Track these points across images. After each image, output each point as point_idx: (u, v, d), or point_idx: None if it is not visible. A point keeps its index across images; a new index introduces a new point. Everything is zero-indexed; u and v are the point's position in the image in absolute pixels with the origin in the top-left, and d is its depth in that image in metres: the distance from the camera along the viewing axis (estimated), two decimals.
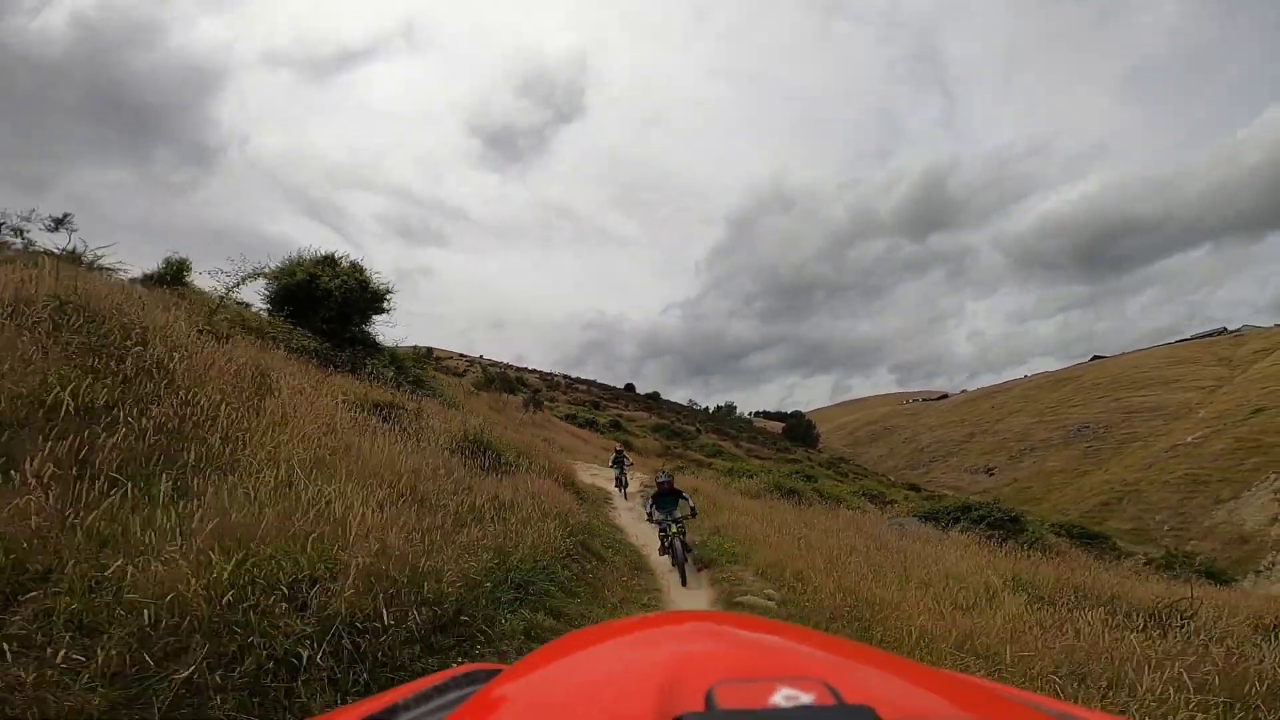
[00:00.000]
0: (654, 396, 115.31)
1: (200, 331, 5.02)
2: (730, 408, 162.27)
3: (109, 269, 14.37)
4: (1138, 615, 5.09)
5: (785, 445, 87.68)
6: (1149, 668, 3.52)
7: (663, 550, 7.41)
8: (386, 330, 15.57)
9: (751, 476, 18.05)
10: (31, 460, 2.75)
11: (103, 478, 2.98)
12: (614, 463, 15.86)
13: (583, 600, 5.41)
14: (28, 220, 13.54)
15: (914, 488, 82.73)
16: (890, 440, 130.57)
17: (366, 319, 14.67)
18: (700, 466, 30.21)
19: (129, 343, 3.99)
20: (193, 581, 2.50)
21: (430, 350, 51.17)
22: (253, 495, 3.44)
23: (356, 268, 14.88)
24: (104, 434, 3.21)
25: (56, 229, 13.81)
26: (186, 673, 2.23)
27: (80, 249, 13.77)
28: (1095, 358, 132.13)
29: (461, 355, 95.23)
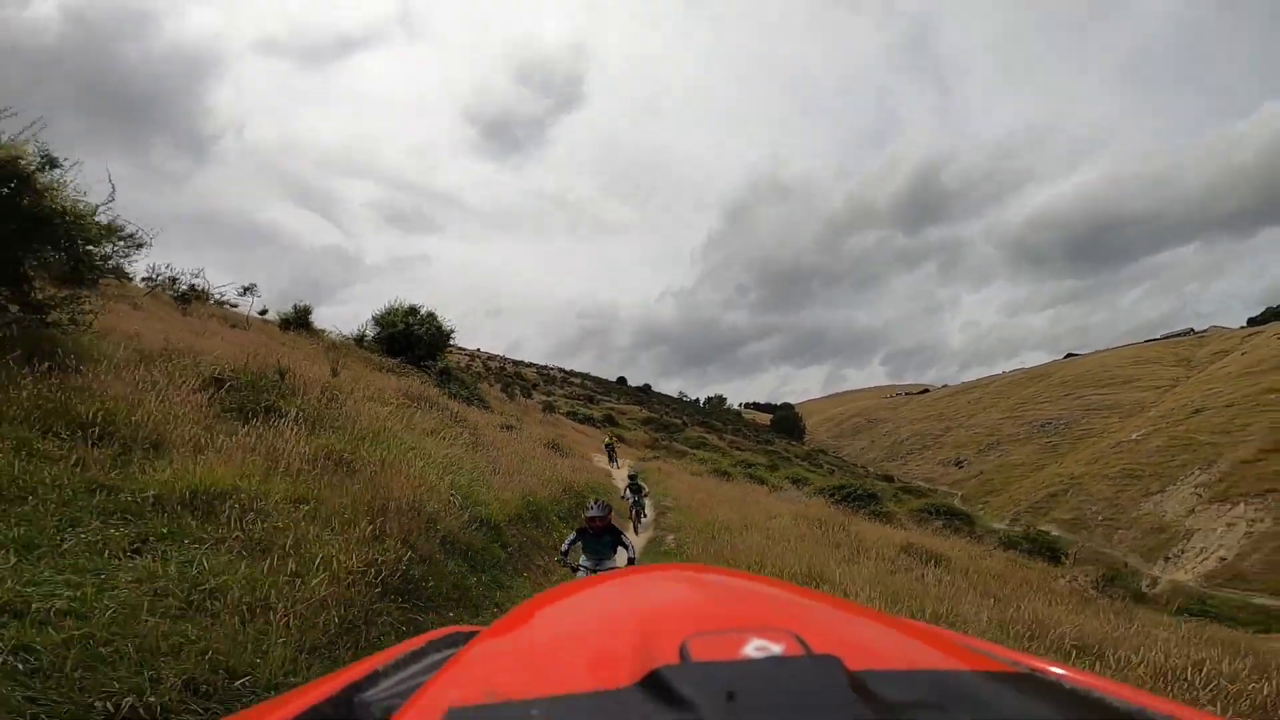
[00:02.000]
0: (645, 389, 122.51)
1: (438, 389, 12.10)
2: (720, 399, 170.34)
3: (261, 317, 21.71)
4: (834, 529, 12.36)
5: (768, 438, 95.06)
6: (797, 532, 10.79)
7: None
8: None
9: (702, 463, 25.40)
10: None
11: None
12: (630, 489, 12.88)
13: (608, 498, 12.95)
14: (198, 277, 20.76)
15: (888, 478, 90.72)
16: (873, 433, 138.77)
17: (442, 353, 21.92)
18: (681, 456, 37.54)
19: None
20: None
21: (473, 370, 57.48)
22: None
23: (432, 316, 22.05)
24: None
25: (245, 294, 21.13)
26: None
27: (250, 305, 21.15)
28: (1070, 355, 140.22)
29: (460, 349, 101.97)
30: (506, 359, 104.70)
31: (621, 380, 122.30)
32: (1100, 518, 63.19)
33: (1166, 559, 53.15)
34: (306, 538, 3.87)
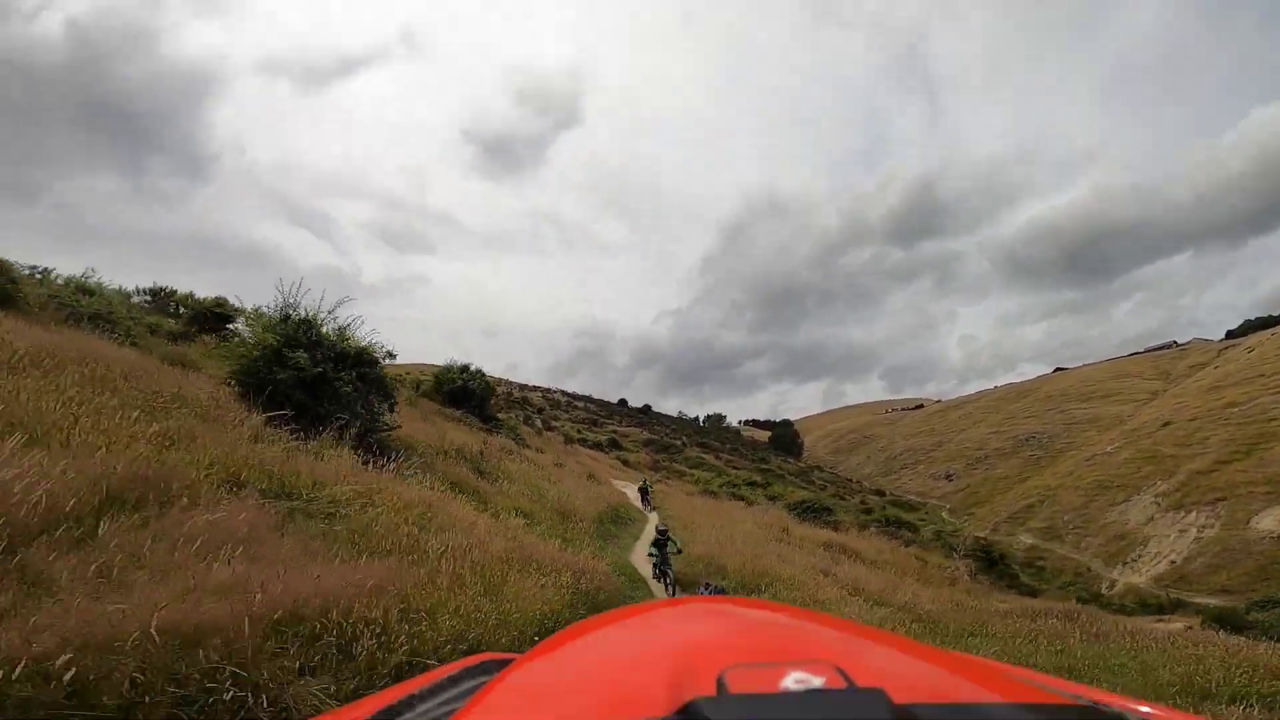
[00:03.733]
0: (645, 410, 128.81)
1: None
2: (720, 418, 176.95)
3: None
4: (778, 531, 18.86)
5: (763, 456, 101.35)
6: (751, 532, 17.36)
7: None
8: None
9: (696, 483, 32.12)
10: None
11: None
12: (656, 545, 11.74)
13: (633, 522, 19.44)
14: None
15: (879, 493, 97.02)
16: (869, 448, 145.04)
17: (488, 403, 28.60)
18: (680, 476, 44.08)
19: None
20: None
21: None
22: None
23: (481, 373, 28.80)
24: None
25: None
26: None
27: None
28: (1058, 369, 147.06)
29: None
30: (513, 383, 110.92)
31: (622, 402, 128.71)
32: (1071, 526, 69.53)
33: (1124, 563, 59.45)
34: (554, 524, 10.61)
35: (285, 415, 8.21)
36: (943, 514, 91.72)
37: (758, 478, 66.45)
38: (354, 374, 10.15)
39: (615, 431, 79.31)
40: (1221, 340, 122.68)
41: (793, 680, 0.41)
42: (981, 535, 70.06)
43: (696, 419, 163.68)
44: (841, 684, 0.40)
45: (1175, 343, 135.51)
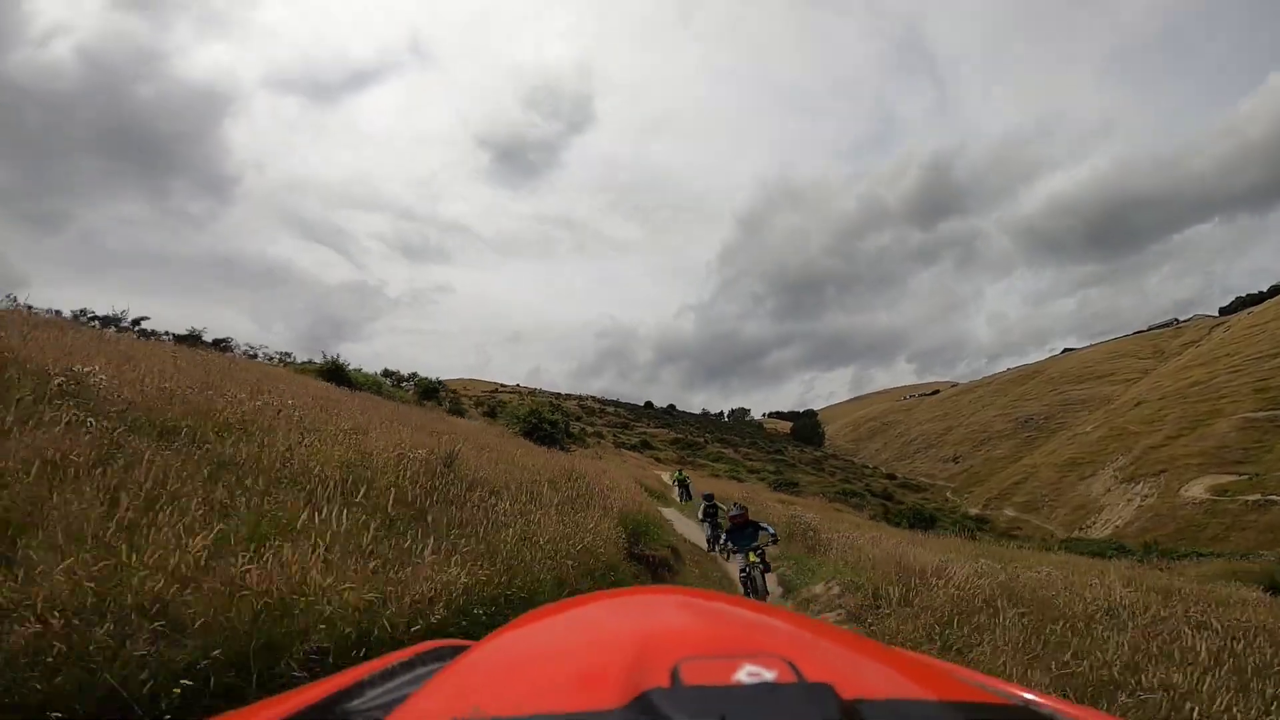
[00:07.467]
0: (670, 410, 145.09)
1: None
2: (744, 412, 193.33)
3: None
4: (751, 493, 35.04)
5: (780, 447, 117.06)
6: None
7: (747, 591, 7.64)
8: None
9: (709, 471, 48.50)
10: None
11: None
12: (706, 514, 14.30)
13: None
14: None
15: (891, 476, 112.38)
16: (886, 435, 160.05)
17: (568, 429, 45.46)
18: (700, 469, 60.21)
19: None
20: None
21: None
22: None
23: (560, 407, 45.70)
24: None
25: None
26: None
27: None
28: (1066, 350, 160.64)
29: (503, 386, 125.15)
30: (548, 393, 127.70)
31: (648, 404, 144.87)
32: (1045, 500, 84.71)
33: (1079, 529, 74.66)
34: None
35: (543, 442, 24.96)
36: (947, 494, 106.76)
37: (770, 467, 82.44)
38: (557, 427, 26.82)
39: (645, 433, 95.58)
40: (1216, 317, 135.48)
41: (745, 673, 0.43)
42: (973, 511, 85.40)
43: (721, 414, 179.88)
44: (792, 678, 0.43)
45: (1176, 320, 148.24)
